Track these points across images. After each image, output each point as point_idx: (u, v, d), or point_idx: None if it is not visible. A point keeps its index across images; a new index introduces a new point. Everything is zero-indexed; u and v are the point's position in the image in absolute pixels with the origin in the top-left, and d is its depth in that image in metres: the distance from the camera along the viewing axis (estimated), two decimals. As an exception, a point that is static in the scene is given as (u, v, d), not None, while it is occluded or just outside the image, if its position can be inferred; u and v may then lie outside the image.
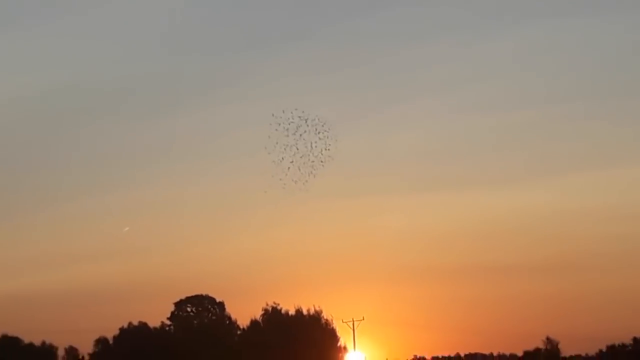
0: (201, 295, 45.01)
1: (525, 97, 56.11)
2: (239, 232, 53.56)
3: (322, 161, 27.58)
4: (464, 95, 54.73)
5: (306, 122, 27.60)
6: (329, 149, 27.51)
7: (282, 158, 27.39)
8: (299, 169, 27.58)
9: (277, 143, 27.41)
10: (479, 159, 51.32)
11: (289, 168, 27.46)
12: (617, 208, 47.06)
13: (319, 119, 27.73)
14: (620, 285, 45.06)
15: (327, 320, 41.75)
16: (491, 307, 45.72)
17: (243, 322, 43.03)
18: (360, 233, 50.86)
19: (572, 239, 46.79)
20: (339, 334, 41.60)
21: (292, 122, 27.37)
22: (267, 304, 41.93)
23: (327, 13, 58.55)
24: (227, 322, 44.34)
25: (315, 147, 27.45)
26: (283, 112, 27.53)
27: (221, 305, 44.78)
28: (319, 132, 27.51)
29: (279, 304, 41.88)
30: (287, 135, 27.57)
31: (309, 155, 27.34)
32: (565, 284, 45.19)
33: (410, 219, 49.86)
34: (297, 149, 27.48)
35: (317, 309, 41.75)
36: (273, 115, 27.54)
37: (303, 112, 27.57)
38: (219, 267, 50.24)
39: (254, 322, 42.11)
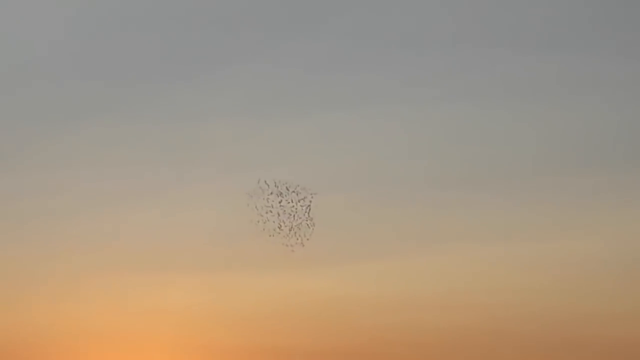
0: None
1: (330, 180, 54.11)
2: (28, 303, 50.65)
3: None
4: (262, 174, 52.20)
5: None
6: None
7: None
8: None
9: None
10: (266, 241, 48.77)
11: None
12: (402, 297, 46.03)
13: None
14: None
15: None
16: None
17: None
18: (147, 311, 47.94)
19: (357, 326, 45.43)
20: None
21: None
22: (51, 381, 40.53)
23: (141, 83, 56.61)
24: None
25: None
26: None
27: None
28: None
29: (64, 382, 40.51)
30: None
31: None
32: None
33: (199, 299, 47.34)
34: None
35: (104, 388, 40.59)
36: None
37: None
38: (3, 340, 47.45)
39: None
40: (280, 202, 15.38)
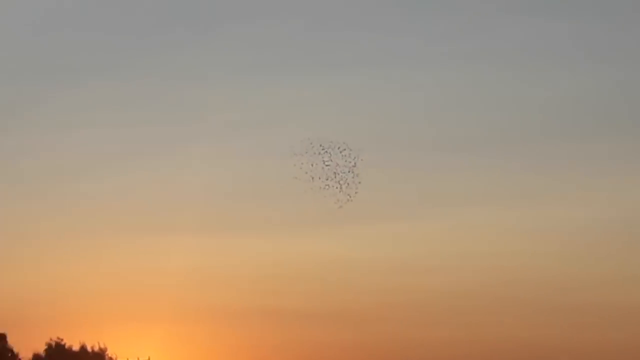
0: (-18, 327, 44.17)
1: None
2: (23, 263, 52.71)
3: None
4: (256, 138, 55.54)
5: None
6: None
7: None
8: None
9: None
10: (269, 203, 52.38)
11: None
12: (405, 260, 49.23)
13: None
14: (400, 336, 47.21)
15: (111, 357, 41.99)
16: (273, 352, 46.85)
17: (26, 355, 42.60)
18: (147, 272, 50.92)
19: (360, 288, 48.64)
20: (122, 371, 41.98)
21: None
22: (51, 339, 41.85)
23: (142, 44, 58.54)
24: (10, 355, 43.76)
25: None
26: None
27: (3, 337, 44.09)
28: None
29: (62, 339, 41.84)
30: None
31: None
32: (348, 334, 46.94)
33: (199, 260, 50.41)
34: None
35: (102, 346, 41.96)
36: None
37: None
38: (2, 297, 49.26)
39: (36, 356, 41.75)
40: (324, 161, 15.51)
